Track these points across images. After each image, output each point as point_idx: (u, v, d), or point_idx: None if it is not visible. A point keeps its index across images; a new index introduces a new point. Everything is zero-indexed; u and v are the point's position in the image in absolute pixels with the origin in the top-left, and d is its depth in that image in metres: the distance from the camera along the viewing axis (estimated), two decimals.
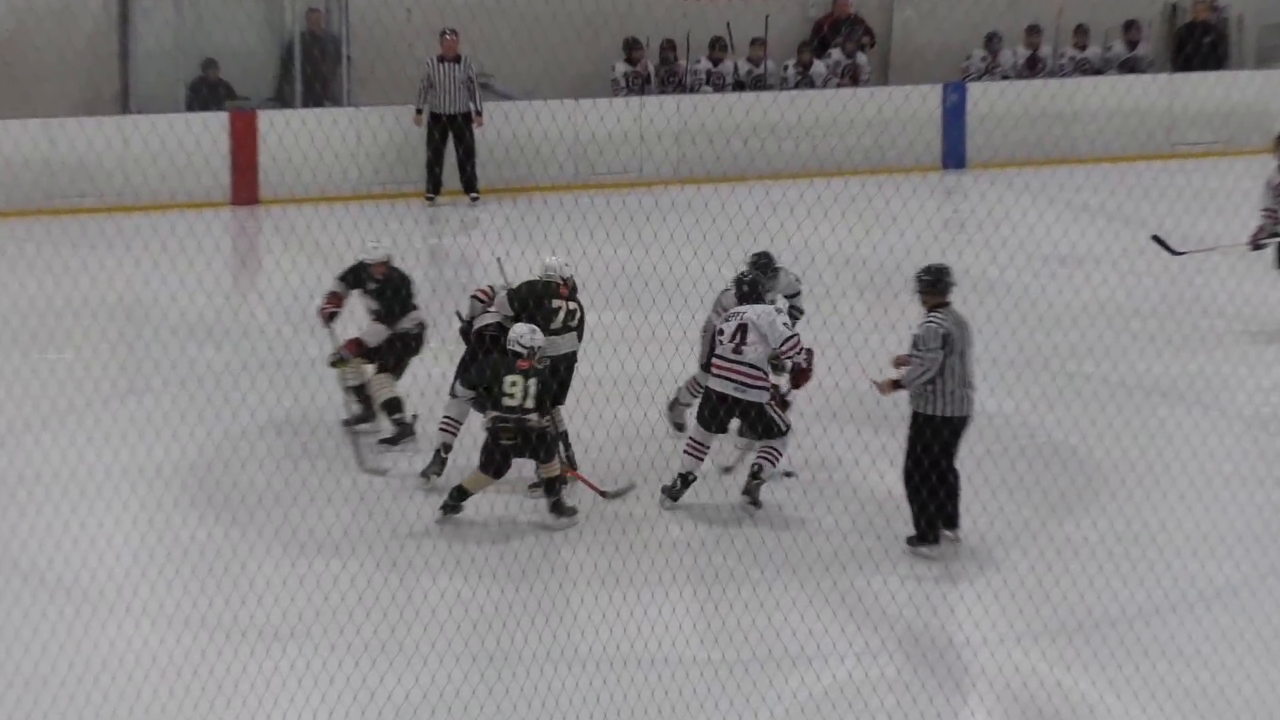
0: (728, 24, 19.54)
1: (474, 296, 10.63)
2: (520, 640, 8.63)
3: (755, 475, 10.16)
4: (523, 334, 9.95)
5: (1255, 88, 19.57)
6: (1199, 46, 20.22)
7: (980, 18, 20.00)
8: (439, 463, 10.47)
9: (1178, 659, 8.44)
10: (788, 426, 10.22)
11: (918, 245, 13.85)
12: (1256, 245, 13.74)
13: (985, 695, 8.31)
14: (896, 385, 9.54)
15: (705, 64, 19.47)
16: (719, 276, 14.54)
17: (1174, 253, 14.06)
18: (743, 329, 10.13)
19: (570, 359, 10.39)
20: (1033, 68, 20.19)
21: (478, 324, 10.53)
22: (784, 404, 10.30)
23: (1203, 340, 13.18)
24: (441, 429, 10.54)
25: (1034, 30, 20.36)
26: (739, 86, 19.41)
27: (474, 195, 17.82)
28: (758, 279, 10.40)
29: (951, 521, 9.62)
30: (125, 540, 9.32)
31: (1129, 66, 20.25)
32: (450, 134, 17.77)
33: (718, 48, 19.51)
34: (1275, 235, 13.66)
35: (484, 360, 10.09)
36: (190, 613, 8.77)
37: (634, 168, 18.32)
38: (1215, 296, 14.15)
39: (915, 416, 9.49)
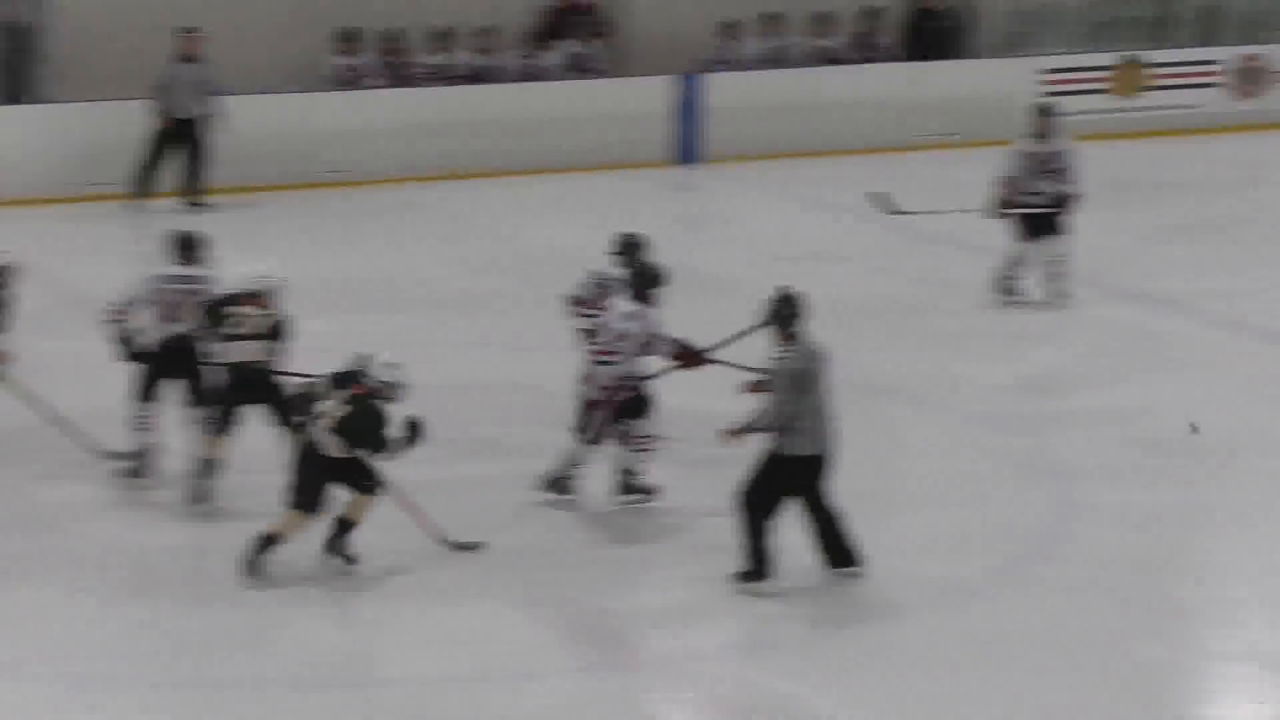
0: (456, 13, 19.47)
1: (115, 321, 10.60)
2: (208, 665, 8.55)
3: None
4: (375, 364, 9.42)
5: (993, 76, 20.02)
6: (933, 35, 20.61)
7: (717, 6, 20.16)
8: (138, 460, 10.53)
9: (907, 668, 8.58)
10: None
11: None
12: (1003, 214, 14.05)
13: (708, 712, 8.42)
14: (744, 432, 9.20)
15: (431, 56, 19.40)
16: (436, 279, 14.57)
17: (900, 212, 14.39)
18: None
19: (260, 371, 10.25)
20: (772, 58, 20.41)
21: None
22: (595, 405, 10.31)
23: (935, 337, 13.45)
24: (138, 428, 10.56)
25: (774, 19, 20.58)
26: (467, 79, 19.37)
27: (199, 203, 17.40)
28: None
29: (848, 559, 9.39)
30: None
31: (869, 56, 20.54)
32: (180, 139, 17.35)
33: (444, 38, 19.47)
34: (1026, 206, 14.00)
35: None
36: None
37: (352, 166, 18.14)
38: (946, 293, 14.47)
39: (770, 455, 9.18)
